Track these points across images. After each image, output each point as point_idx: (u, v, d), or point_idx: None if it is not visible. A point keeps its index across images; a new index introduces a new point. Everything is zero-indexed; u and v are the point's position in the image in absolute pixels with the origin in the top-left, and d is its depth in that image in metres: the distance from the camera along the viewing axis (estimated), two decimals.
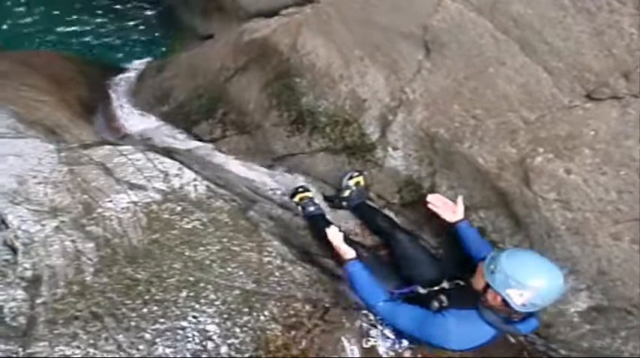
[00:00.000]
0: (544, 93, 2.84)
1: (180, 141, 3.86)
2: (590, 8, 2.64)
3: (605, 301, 2.70)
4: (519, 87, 2.92)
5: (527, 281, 2.14)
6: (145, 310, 2.36)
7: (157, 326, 2.34)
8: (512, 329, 2.29)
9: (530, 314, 2.27)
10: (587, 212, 2.67)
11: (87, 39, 5.52)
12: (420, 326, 2.34)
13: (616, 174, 2.62)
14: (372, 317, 2.71)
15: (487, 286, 2.27)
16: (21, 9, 5.43)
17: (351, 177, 3.39)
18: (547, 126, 2.82)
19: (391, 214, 3.35)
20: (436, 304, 2.44)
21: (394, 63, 3.39)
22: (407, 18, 3.29)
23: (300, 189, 3.41)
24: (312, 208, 3.33)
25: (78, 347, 2.20)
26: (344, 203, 3.40)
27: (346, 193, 3.38)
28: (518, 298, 2.16)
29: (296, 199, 3.39)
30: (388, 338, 2.68)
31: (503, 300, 2.20)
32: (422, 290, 2.67)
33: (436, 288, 2.61)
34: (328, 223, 3.22)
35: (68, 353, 2.18)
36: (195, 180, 3.05)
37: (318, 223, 3.26)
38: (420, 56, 3.28)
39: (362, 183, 3.39)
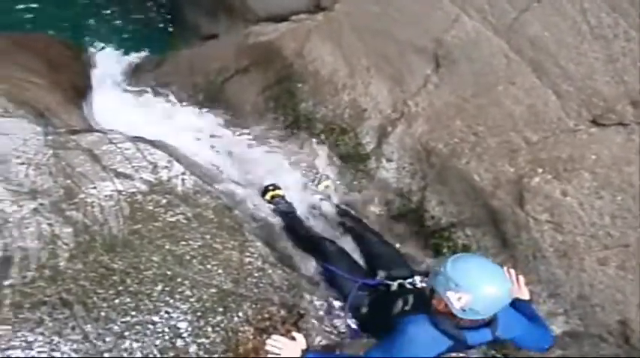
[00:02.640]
0: (550, 115, 2.88)
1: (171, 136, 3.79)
2: (607, 35, 2.71)
3: (582, 327, 2.70)
4: (526, 107, 2.95)
5: (465, 284, 1.96)
6: (117, 301, 2.28)
7: (128, 318, 2.26)
8: (462, 337, 2.07)
9: (486, 324, 2.07)
10: (578, 235, 2.68)
11: (87, 27, 5.47)
12: (391, 352, 2.15)
13: (612, 198, 2.64)
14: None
15: (432, 290, 2.10)
16: None
17: (319, 182, 3.47)
18: (549, 148, 2.85)
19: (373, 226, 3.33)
20: (400, 304, 2.34)
21: (401, 75, 3.42)
22: (422, 31, 3.34)
23: (270, 188, 3.43)
24: (283, 205, 3.36)
25: (42, 334, 2.11)
26: None
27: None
28: (456, 301, 1.98)
29: (267, 197, 3.41)
30: None
31: (447, 305, 2.02)
32: (394, 287, 2.60)
33: (408, 283, 2.57)
34: (299, 220, 3.30)
35: (31, 339, 2.08)
36: (183, 173, 2.99)
37: (289, 220, 3.31)
38: (428, 70, 3.32)
39: (331, 186, 3.47)
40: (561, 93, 2.85)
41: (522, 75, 2.96)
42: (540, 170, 2.84)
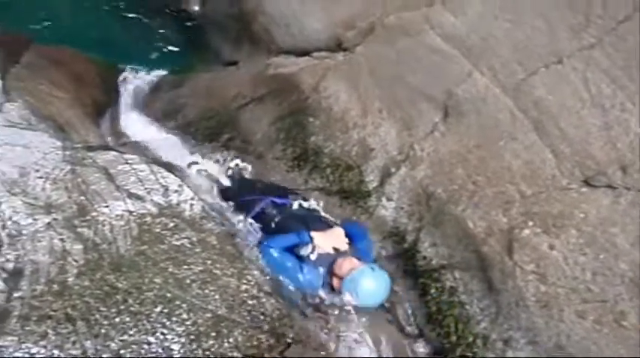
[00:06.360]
0: (545, 172, 3.01)
1: (180, 157, 3.95)
2: (605, 104, 2.84)
3: None
4: (524, 163, 3.09)
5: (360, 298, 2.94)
6: (117, 319, 2.39)
7: (125, 337, 2.36)
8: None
9: None
10: (560, 287, 2.77)
11: (111, 42, 5.67)
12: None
13: (595, 256, 2.74)
14: None
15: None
16: (54, 7, 5.67)
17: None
18: (541, 203, 2.96)
19: None
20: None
21: (410, 120, 3.57)
22: (435, 82, 3.51)
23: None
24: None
25: (44, 347, 2.21)
26: None
27: None
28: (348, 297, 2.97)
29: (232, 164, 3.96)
30: None
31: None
32: (295, 206, 3.39)
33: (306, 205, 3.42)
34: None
35: (33, 351, 2.19)
36: (192, 198, 3.12)
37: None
38: (437, 118, 3.48)
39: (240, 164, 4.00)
40: (558, 153, 2.98)
41: (524, 132, 3.10)
42: (531, 223, 2.95)
